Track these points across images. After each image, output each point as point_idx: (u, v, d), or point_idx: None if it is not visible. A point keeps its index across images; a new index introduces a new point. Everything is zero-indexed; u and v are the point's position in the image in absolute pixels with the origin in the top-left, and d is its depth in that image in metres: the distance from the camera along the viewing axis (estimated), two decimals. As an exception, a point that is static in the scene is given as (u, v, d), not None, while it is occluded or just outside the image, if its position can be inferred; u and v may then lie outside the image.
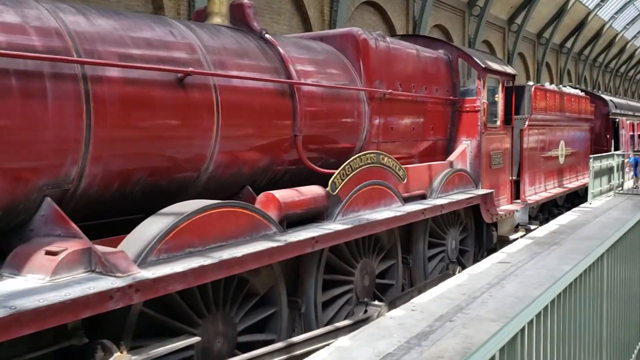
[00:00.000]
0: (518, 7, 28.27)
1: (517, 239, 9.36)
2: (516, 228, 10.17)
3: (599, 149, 15.71)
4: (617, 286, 4.41)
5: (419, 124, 7.90)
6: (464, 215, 8.58)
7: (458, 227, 8.41)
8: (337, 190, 5.65)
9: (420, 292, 6.76)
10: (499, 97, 9.32)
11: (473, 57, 8.69)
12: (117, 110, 4.07)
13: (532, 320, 2.65)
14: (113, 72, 4.05)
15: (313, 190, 5.50)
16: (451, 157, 8.44)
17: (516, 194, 10.43)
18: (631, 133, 17.77)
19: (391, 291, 6.90)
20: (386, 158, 6.45)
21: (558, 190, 12.43)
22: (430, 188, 7.59)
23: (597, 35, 40.35)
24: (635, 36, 47.08)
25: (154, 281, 3.64)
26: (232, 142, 5.06)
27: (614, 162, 14.01)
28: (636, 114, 19.49)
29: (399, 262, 6.96)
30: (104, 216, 4.47)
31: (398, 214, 6.25)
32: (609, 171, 13.90)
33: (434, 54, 8.48)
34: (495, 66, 9.15)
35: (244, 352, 4.55)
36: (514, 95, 10.09)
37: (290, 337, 5.07)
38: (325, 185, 5.63)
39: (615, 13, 39.81)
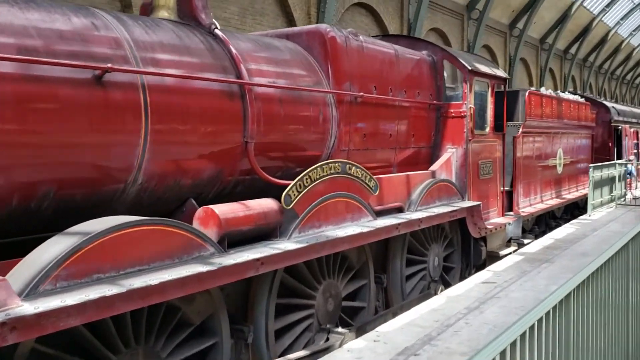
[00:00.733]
0: (520, 12, 27.61)
1: (509, 254, 8.70)
2: (508, 242, 9.51)
3: (601, 158, 15.02)
4: (603, 310, 3.82)
5: (397, 131, 7.26)
6: (448, 229, 7.93)
7: (442, 242, 7.75)
8: (292, 204, 5.02)
9: (395, 314, 6.12)
10: (489, 102, 8.68)
11: (459, 58, 8.06)
12: (11, 112, 3.47)
13: (504, 351, 2.31)
14: (6, 68, 3.45)
15: (264, 204, 4.87)
16: (434, 167, 7.79)
17: (509, 206, 9.77)
18: (635, 141, 17.04)
19: (362, 315, 6.25)
20: (354, 167, 5.82)
21: (555, 201, 11.76)
22: (409, 200, 6.94)
23: (603, 41, 39.58)
24: (641, 43, 46.29)
25: (38, 317, 3.01)
26: (166, 149, 4.44)
27: (615, 171, 13.32)
28: (640, 121, 18.79)
29: (371, 282, 6.31)
30: (4, 235, 3.85)
31: (365, 229, 5.61)
32: (610, 181, 13.20)
33: (416, 55, 7.86)
34: (483, 68, 8.52)
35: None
36: (507, 100, 9.46)
37: (232, 373, 4.44)
38: (284, 198, 5.02)
39: (621, 19, 39.05)
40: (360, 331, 5.66)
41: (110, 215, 4.06)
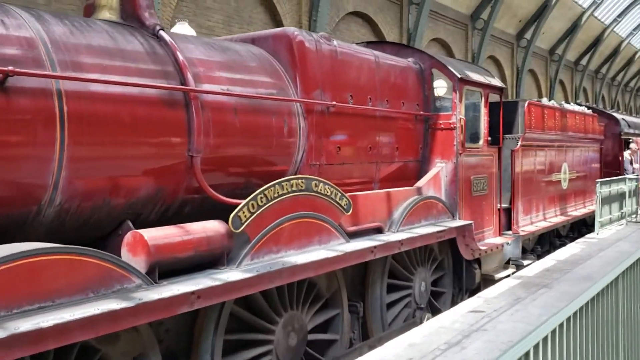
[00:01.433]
0: (527, 22, 26.94)
1: (506, 277, 8.01)
2: (507, 264, 8.83)
3: (610, 172, 14.26)
4: (600, 340, 3.21)
5: (378, 143, 6.65)
6: (438, 251, 7.28)
7: (430, 265, 7.10)
8: (242, 227, 4.42)
9: (372, 348, 5.49)
10: (482, 113, 8.06)
11: (448, 66, 7.45)
12: None
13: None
14: None
15: (209, 228, 4.28)
16: (420, 182, 7.15)
17: (507, 225, 9.08)
18: (646, 154, 16.24)
19: (335, 348, 5.62)
20: (321, 184, 5.22)
21: (560, 219, 11.04)
22: (390, 220, 6.31)
23: (615, 52, 38.72)
24: (655, 54, 45.34)
25: None
26: (90, 164, 3.88)
27: (625, 186, 12.56)
28: (652, 133, 17.99)
29: (344, 311, 5.68)
30: None
31: (332, 254, 5.00)
32: (620, 197, 12.44)
33: (401, 62, 7.27)
34: (476, 77, 7.90)
35: None
36: (505, 111, 8.84)
37: None
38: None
39: (634, 29, 38.23)
40: (329, 367, 5.05)
41: (24, 241, 3.51)
